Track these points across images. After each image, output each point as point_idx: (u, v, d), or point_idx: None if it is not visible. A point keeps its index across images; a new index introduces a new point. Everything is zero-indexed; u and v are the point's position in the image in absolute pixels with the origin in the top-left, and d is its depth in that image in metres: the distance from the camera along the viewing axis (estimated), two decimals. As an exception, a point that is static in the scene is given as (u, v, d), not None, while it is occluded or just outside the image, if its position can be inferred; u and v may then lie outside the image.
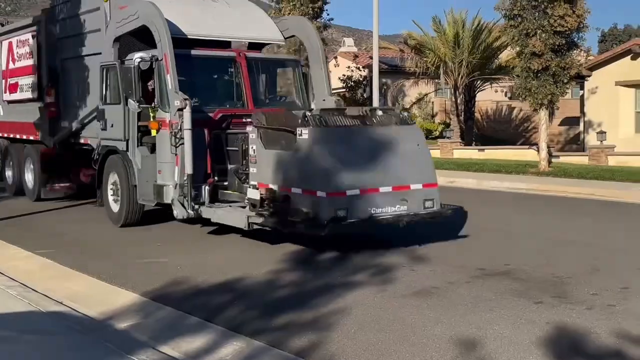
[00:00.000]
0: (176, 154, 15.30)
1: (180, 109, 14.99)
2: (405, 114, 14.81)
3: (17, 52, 22.45)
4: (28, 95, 21.64)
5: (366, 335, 8.75)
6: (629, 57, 38.25)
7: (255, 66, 17.09)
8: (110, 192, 17.50)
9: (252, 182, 14.84)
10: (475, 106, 45.39)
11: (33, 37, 21.20)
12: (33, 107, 21.37)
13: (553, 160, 31.92)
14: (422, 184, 14.22)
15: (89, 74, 18.53)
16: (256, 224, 14.05)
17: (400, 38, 47.33)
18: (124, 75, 15.97)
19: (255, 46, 18.49)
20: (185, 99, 14.94)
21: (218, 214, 15.06)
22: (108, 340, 8.61)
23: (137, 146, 16.63)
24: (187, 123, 14.93)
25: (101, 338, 8.71)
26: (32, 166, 21.75)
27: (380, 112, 14.74)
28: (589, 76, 39.13)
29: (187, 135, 14.94)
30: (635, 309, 9.73)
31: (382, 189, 13.72)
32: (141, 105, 15.89)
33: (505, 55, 42.04)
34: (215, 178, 15.65)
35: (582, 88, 40.44)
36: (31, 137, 21.66)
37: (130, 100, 15.96)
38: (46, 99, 20.46)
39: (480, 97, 46.13)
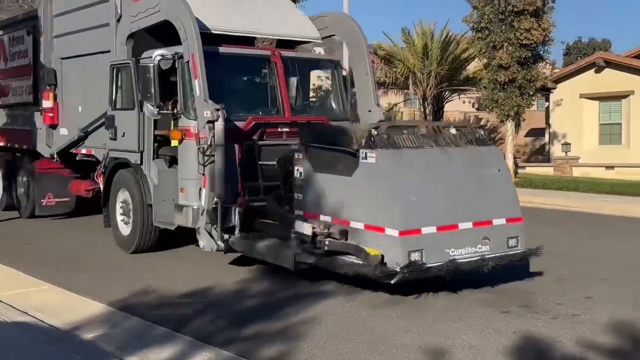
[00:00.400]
0: (204, 174, 11.11)
1: (211, 121, 10.85)
2: (482, 132, 10.58)
3: (10, 51, 17.70)
4: (22, 99, 17.01)
5: (336, 345, 8.02)
6: (592, 70, 35.33)
7: (292, 67, 12.86)
8: (119, 212, 13.19)
9: (297, 211, 10.74)
10: (444, 117, 41.61)
11: (28, 33, 16.51)
12: (27, 112, 16.79)
13: (519, 170, 30.45)
14: (506, 218, 10.42)
15: (94, 75, 14.12)
16: (306, 263, 10.20)
17: (370, 48, 43.16)
18: (140, 76, 11.78)
19: (286, 45, 14.00)
20: (217, 110, 10.91)
21: (255, 247, 10.97)
22: (74, 350, 7.69)
23: (153, 159, 12.44)
24: (219, 138, 10.97)
25: (67, 349, 7.76)
26: (25, 179, 17.01)
27: (453, 130, 10.63)
28: (554, 88, 36.34)
29: (219, 153, 11.02)
30: (598, 319, 9.03)
31: (461, 225, 9.99)
32: (161, 112, 11.66)
33: (473, 67, 38.60)
34: (247, 198, 11.52)
35: (547, 100, 37.41)
36: (24, 146, 16.94)
37: (147, 105, 11.77)
38: (43, 104, 15.67)
39: (448, 107, 42.37)
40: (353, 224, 9.91)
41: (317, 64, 14.06)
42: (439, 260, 9.52)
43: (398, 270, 9.21)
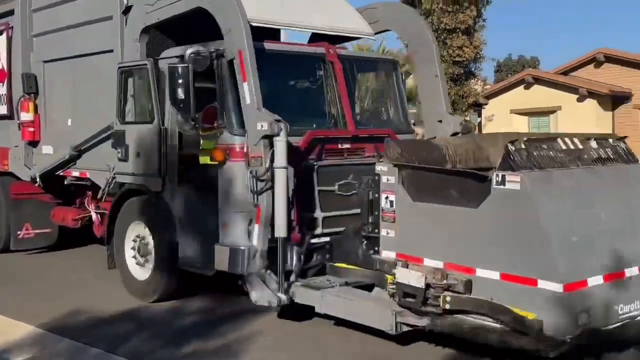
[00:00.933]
0: (257, 204, 7.34)
1: (269, 137, 7.20)
2: (623, 145, 7.04)
3: (-23, 54, 13.01)
4: (-5, 110, 12.22)
5: (275, 362, 6.72)
6: (522, 86, 32.88)
7: (350, 69, 8.94)
8: (130, 251, 9.12)
9: (385, 252, 7.10)
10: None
11: (1, 32, 11.99)
12: (1, 126, 12.08)
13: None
14: (670, 258, 6.70)
15: (89, 80, 10.09)
16: (412, 326, 6.59)
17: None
18: (170, 81, 7.80)
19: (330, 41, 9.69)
20: (278, 121, 7.19)
21: (330, 302, 7.29)
22: (2, 376, 6.33)
23: (178, 184, 8.55)
24: (280, 158, 7.26)
25: (-4, 374, 6.35)
26: None
27: (594, 143, 7.10)
28: (485, 104, 34.20)
29: (281, 178, 7.21)
30: None
31: (627, 272, 6.34)
32: (198, 125, 7.82)
33: (409, 83, 35.22)
34: (306, 234, 7.91)
35: (479, 115, 34.46)
36: None
37: (178, 117, 7.95)
38: (21, 116, 11.20)
39: (384, 122, 39.16)
40: (481, 273, 6.35)
41: (375, 64, 10.10)
42: (609, 322, 6.06)
43: (568, 340, 5.73)
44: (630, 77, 31.65)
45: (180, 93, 7.59)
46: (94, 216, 10.40)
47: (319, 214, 8.11)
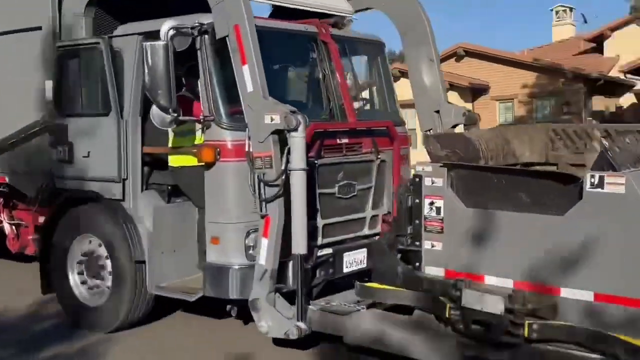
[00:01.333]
0: (265, 215, 5.64)
1: (280, 132, 5.59)
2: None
3: None
4: None
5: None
6: None
7: (343, 52, 7.14)
8: (76, 272, 7.00)
9: (428, 268, 5.61)
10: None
11: None
12: None
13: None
14: None
15: (7, 64, 7.78)
16: None
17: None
18: (145, 64, 5.79)
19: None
20: (293, 112, 5.55)
21: (365, 332, 5.57)
22: None
23: (142, 190, 6.62)
24: (298, 158, 5.61)
25: None
26: None
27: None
28: None
29: (299, 182, 5.60)
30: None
31: None
32: (181, 117, 5.92)
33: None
34: (311, 245, 6.09)
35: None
36: None
37: (153, 109, 5.97)
38: None
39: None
40: (567, 293, 4.95)
41: (365, 46, 8.08)
42: None
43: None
44: (487, 70, 31.64)
45: (156, 79, 5.66)
46: (7, 228, 8.29)
47: (319, 222, 6.42)
